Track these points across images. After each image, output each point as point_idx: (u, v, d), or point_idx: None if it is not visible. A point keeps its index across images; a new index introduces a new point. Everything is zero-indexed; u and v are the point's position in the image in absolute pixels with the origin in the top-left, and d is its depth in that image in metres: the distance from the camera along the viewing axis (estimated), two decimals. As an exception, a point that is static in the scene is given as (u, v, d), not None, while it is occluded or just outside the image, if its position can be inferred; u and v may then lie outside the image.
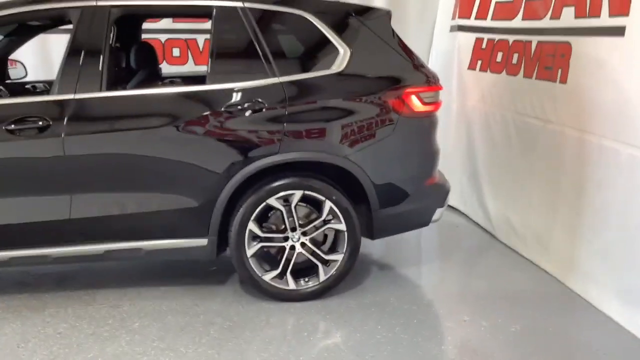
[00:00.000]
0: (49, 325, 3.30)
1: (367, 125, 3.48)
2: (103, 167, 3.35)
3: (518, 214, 4.34)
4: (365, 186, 3.51)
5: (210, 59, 3.45)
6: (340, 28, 3.56)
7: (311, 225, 3.52)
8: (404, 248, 4.52)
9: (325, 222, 3.53)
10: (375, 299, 3.62)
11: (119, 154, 3.34)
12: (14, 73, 4.37)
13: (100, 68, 3.33)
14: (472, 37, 4.99)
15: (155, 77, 4.33)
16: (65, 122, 3.27)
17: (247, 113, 3.36)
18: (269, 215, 3.55)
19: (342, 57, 3.49)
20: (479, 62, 4.87)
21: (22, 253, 3.39)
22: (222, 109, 3.35)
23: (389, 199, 3.59)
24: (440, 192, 3.78)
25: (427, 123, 3.65)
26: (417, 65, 3.66)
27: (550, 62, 3.92)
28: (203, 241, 3.48)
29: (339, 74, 3.48)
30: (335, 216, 3.50)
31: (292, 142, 3.42)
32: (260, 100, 3.38)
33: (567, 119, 3.78)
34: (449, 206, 4.69)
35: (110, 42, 3.46)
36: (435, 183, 3.74)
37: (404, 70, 3.60)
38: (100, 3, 3.38)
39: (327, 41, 3.52)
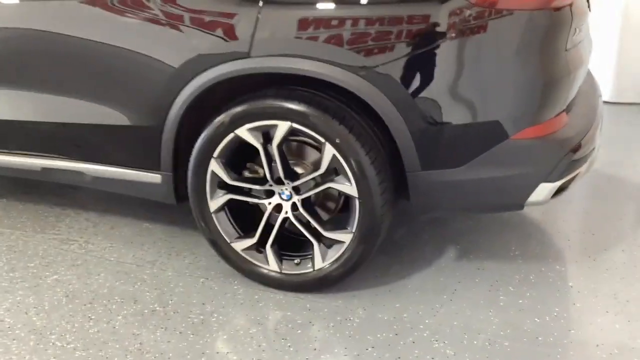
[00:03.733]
0: None
1: (407, 18, 1.91)
2: (18, 49, 2.38)
3: None
4: (391, 126, 2.00)
5: None
6: None
7: (306, 179, 2.17)
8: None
9: (324, 177, 2.15)
10: (401, 313, 2.17)
11: (33, 29, 2.33)
12: None
13: None
14: None
15: None
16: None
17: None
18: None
19: None
20: None
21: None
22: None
23: (441, 155, 2.03)
24: (553, 154, 2.05)
25: (538, 21, 1.91)
26: None
27: None
28: (156, 177, 2.36)
29: None
30: (341, 171, 2.10)
31: (272, 38, 2.03)
32: (230, -38, 2.03)
33: None
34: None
35: None
36: (544, 137, 2.02)
37: None
38: None
39: None
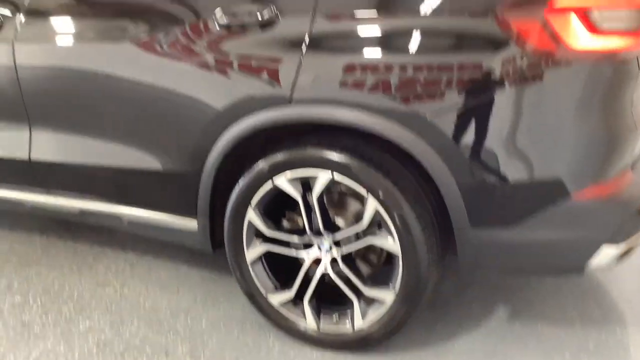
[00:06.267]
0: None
1: (458, 66, 1.79)
2: (62, 89, 2.34)
3: None
4: (439, 180, 1.87)
5: None
6: None
7: (347, 233, 2.05)
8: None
9: (366, 231, 2.02)
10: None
11: (78, 70, 2.28)
12: None
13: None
14: None
15: None
16: (18, 22, 2.33)
17: (248, 27, 1.98)
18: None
19: None
20: None
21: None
22: (214, 18, 2.02)
23: (492, 212, 1.88)
24: (617, 215, 1.87)
25: (601, 74, 1.75)
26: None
27: None
28: (192, 223, 2.28)
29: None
30: (384, 226, 1.97)
31: (314, 85, 1.93)
32: (273, 7, 1.96)
33: None
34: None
35: None
36: (607, 196, 1.86)
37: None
38: None
39: None
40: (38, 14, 2.38)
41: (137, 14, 2.20)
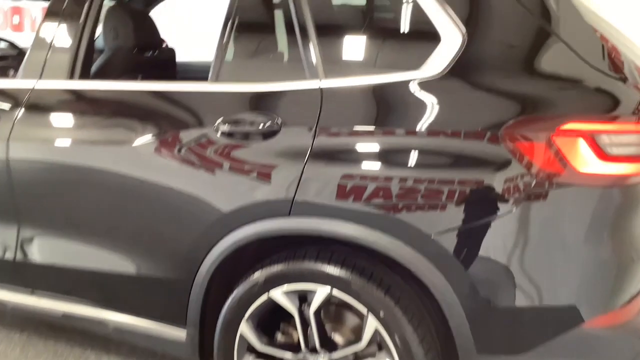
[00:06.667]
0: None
1: (459, 182, 1.75)
2: (55, 189, 2.27)
3: None
4: (443, 302, 1.78)
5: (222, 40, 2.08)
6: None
7: (344, 352, 1.94)
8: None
9: (365, 351, 1.90)
10: None
11: (71, 170, 2.22)
12: None
13: (75, 45, 2.27)
14: None
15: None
16: (15, 119, 2.30)
17: (250, 137, 1.95)
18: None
19: (447, 47, 1.80)
20: None
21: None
22: (214, 126, 1.98)
23: (499, 339, 1.78)
24: (630, 344, 1.77)
25: (611, 199, 1.71)
26: (619, 71, 1.76)
27: None
28: (180, 333, 2.16)
29: (435, 80, 1.80)
30: (384, 347, 1.86)
31: (314, 197, 1.87)
32: (276, 117, 1.93)
33: None
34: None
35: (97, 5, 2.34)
36: (619, 325, 1.75)
37: (574, 79, 1.75)
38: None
39: (418, 13, 1.86)
40: (38, 109, 2.35)
41: (137, 115, 2.18)
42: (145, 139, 2.09)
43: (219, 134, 1.96)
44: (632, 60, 1.82)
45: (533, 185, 1.68)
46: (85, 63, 2.29)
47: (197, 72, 2.68)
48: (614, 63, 1.78)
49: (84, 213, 2.23)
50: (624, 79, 1.74)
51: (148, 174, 2.08)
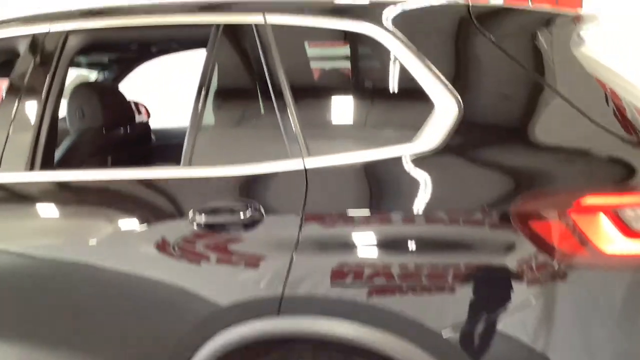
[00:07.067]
0: None
1: (477, 278, 1.53)
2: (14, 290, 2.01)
3: None
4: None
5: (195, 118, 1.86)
6: (440, 53, 1.70)
7: None
8: None
9: None
10: None
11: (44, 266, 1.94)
12: None
13: (34, 133, 2.01)
14: None
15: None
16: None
17: (230, 228, 1.74)
18: None
19: (441, 117, 1.61)
20: None
21: None
22: (190, 216, 1.75)
23: None
24: None
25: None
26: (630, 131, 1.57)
27: None
28: None
29: (428, 155, 1.60)
30: None
31: (305, 292, 1.65)
32: (257, 205, 1.72)
33: None
34: None
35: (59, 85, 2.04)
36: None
37: (582, 144, 1.56)
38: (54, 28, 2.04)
39: (409, 82, 1.67)
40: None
41: (105, 207, 1.94)
42: (113, 232, 1.86)
43: (194, 226, 1.75)
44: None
45: (552, 273, 1.47)
46: (47, 149, 2.06)
47: (177, 138, 2.42)
48: (625, 122, 1.60)
49: (46, 315, 1.98)
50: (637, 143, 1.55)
51: (109, 275, 1.84)
